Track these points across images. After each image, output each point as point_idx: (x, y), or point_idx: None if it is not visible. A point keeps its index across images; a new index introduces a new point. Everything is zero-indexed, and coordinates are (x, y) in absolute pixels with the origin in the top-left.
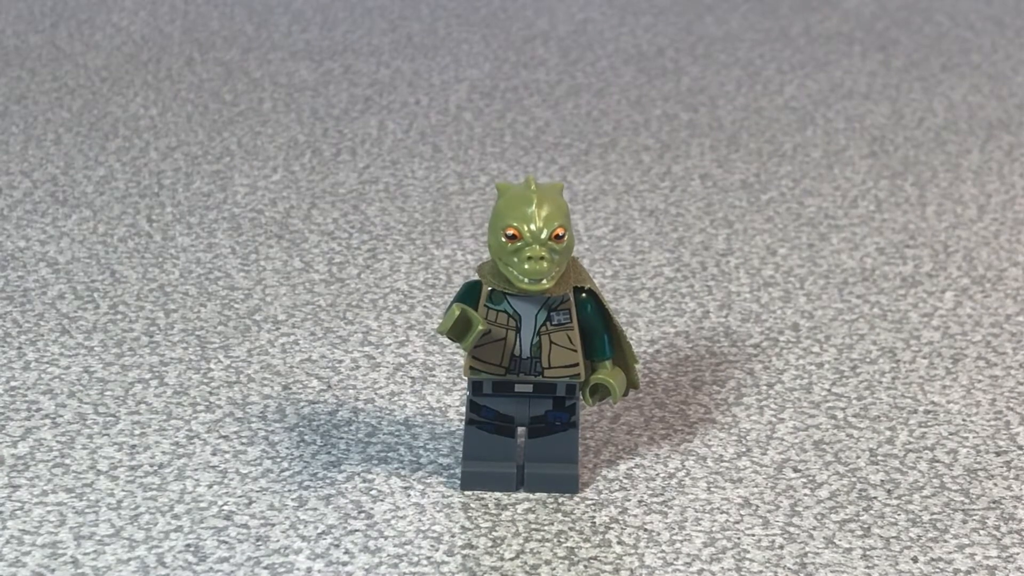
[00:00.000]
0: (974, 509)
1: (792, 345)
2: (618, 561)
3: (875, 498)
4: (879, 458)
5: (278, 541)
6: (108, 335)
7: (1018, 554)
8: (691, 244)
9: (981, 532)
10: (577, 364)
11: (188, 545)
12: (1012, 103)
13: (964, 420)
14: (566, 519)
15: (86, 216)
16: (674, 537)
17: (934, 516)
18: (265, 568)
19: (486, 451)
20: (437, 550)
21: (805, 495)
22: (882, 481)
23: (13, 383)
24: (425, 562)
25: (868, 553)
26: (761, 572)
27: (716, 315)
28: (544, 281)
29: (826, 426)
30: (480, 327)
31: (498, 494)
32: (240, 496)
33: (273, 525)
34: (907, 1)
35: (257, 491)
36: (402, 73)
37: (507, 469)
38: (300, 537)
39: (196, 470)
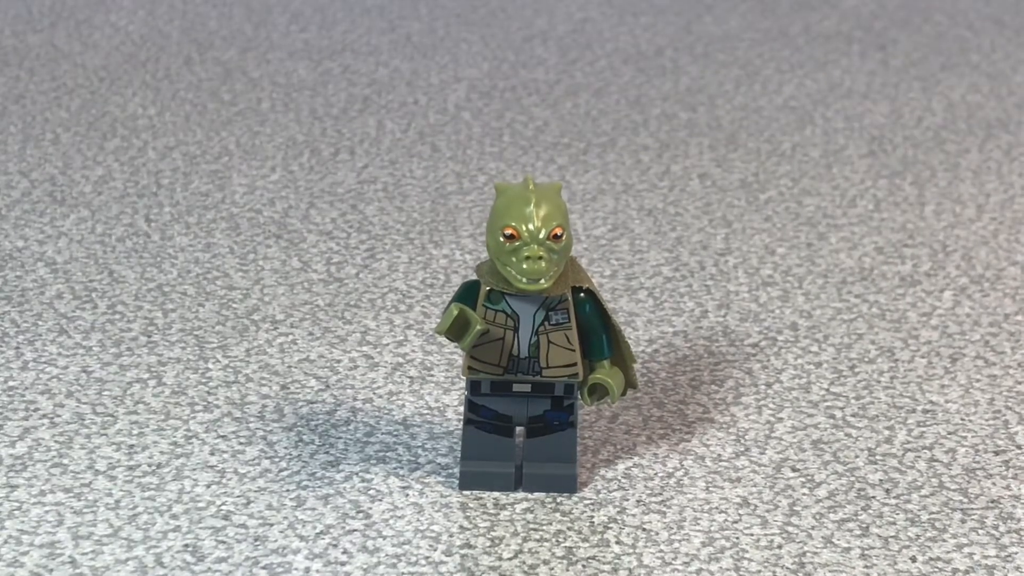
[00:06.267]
0: (973, 508)
1: (790, 344)
2: (616, 561)
3: (874, 497)
4: (878, 457)
5: (276, 541)
6: (106, 335)
7: (1016, 553)
8: (690, 243)
9: (980, 531)
10: (575, 364)
11: (186, 545)
12: (1011, 102)
13: (963, 419)
14: (564, 519)
15: (84, 216)
16: (672, 537)
17: (933, 515)
18: (263, 568)
19: (484, 451)
20: (435, 550)
21: (804, 495)
22: (880, 480)
23: (11, 383)
24: (423, 562)
25: (867, 552)
26: (759, 572)
27: (714, 315)
28: (542, 281)
29: (824, 425)
30: (478, 327)
31: (496, 494)
32: (238, 496)
33: (271, 525)
34: (906, 1)
35: (255, 491)
36: (401, 73)
37: (505, 469)
38: (298, 537)
39: (194, 470)
